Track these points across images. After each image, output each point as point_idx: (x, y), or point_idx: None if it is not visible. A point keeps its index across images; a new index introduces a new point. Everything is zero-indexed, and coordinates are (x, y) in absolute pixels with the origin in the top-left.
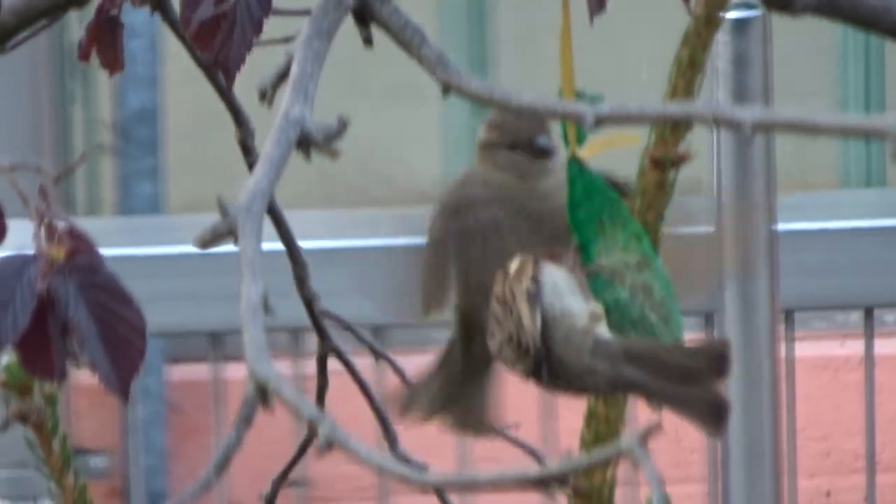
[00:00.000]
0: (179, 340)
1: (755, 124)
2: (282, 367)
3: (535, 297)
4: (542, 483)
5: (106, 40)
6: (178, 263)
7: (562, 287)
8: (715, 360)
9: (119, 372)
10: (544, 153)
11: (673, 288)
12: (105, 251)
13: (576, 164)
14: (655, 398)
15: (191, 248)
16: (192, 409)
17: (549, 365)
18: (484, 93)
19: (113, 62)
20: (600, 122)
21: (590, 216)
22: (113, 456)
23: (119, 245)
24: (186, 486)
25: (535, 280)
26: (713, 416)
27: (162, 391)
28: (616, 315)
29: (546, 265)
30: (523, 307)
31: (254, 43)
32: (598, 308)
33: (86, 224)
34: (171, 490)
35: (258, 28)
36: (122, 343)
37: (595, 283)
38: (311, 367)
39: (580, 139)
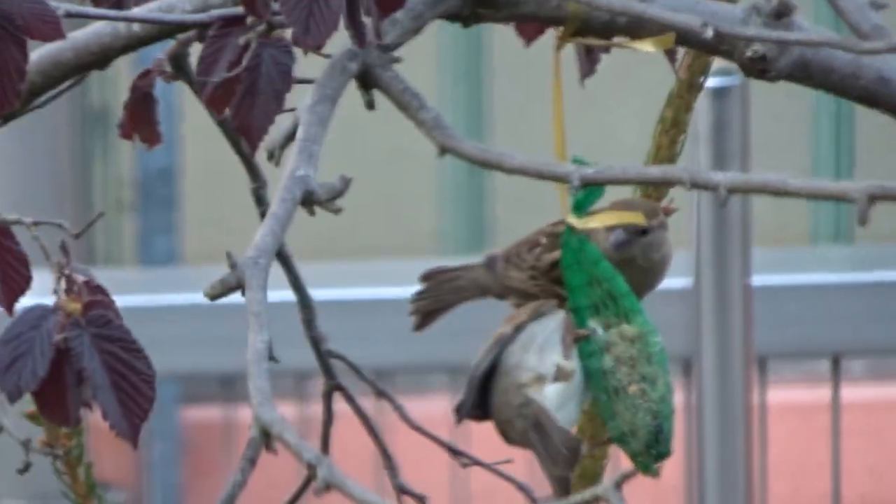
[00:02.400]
0: (193, 383)
1: (729, 187)
2: (287, 410)
3: (502, 342)
4: None
5: (143, 116)
6: (192, 312)
7: (536, 341)
8: (570, 451)
9: (129, 418)
10: (618, 245)
11: (667, 365)
12: (124, 300)
13: (569, 230)
14: (540, 461)
15: (204, 299)
16: (204, 447)
17: (478, 400)
18: (478, 155)
19: (151, 136)
20: (585, 183)
21: (581, 281)
22: (130, 491)
23: (138, 294)
24: None
25: (517, 327)
26: (559, 489)
27: (177, 431)
28: (595, 381)
29: (544, 318)
30: (484, 347)
31: (277, 113)
32: (567, 367)
33: (106, 275)
34: None
35: (280, 100)
36: (133, 391)
37: (584, 348)
38: (314, 409)
39: (584, 207)
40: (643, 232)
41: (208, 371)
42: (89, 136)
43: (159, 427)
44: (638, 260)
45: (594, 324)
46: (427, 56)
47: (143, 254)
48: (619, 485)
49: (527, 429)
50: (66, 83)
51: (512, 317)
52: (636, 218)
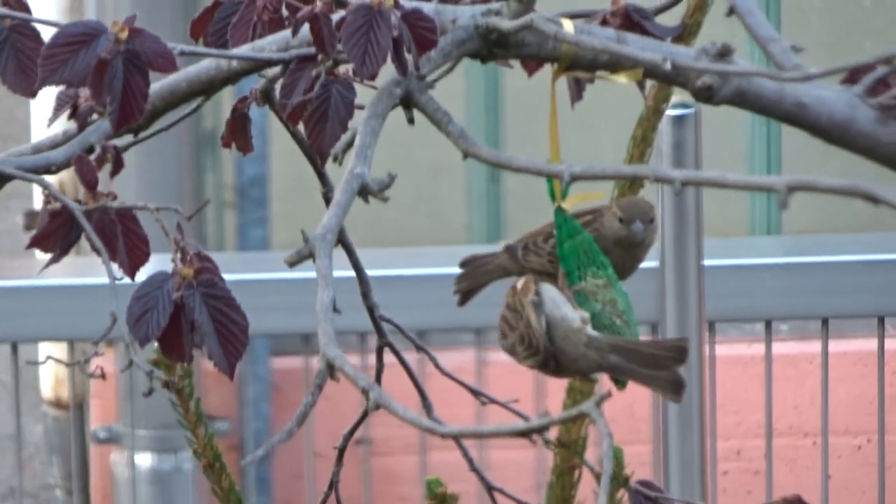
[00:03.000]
0: (280, 340)
1: (683, 180)
2: (352, 359)
3: (538, 306)
4: (527, 433)
5: (239, 131)
6: (280, 286)
7: (557, 299)
8: (678, 351)
9: (228, 357)
10: (635, 233)
11: (630, 302)
12: (228, 277)
13: (561, 213)
14: (629, 378)
15: (289, 274)
16: (288, 388)
17: (554, 357)
18: (492, 158)
19: (244, 146)
20: (575, 178)
21: (572, 251)
22: (232, 422)
23: (238, 272)
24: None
25: (538, 293)
26: (674, 389)
27: (268, 375)
28: (593, 321)
29: (544, 284)
30: (531, 314)
31: (342, 135)
32: (585, 314)
33: (214, 257)
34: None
35: (345, 125)
36: (232, 338)
37: (578, 299)
38: (371, 360)
39: (563, 195)
40: (650, 220)
41: (292, 330)
42: (202, 152)
43: (254, 373)
44: (647, 241)
45: (582, 280)
46: (458, 91)
47: (241, 242)
48: (599, 404)
49: (603, 357)
50: (186, 111)
51: (514, 288)
52: (597, 196)
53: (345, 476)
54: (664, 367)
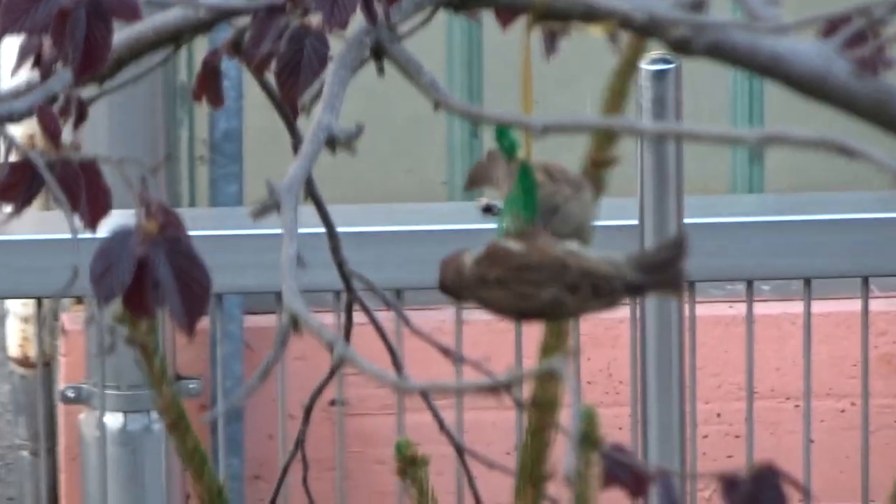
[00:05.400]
0: (254, 298)
1: (655, 132)
2: (327, 319)
3: (582, 253)
4: (494, 389)
5: (210, 84)
6: (253, 241)
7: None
8: (677, 247)
9: (189, 316)
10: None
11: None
12: (200, 233)
13: (525, 164)
14: (645, 292)
15: (262, 230)
16: (261, 348)
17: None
18: (463, 108)
19: (215, 99)
20: (546, 130)
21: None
22: (203, 381)
23: (211, 229)
24: (255, 403)
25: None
26: (676, 286)
27: (240, 334)
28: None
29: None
30: (591, 261)
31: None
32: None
33: (187, 212)
34: (244, 406)
35: (317, 78)
36: (194, 296)
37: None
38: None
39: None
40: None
41: (265, 288)
42: (176, 106)
43: (226, 331)
44: (565, 211)
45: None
46: (437, 44)
47: (214, 198)
48: (565, 360)
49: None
50: (155, 62)
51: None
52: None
53: (319, 437)
54: (668, 268)
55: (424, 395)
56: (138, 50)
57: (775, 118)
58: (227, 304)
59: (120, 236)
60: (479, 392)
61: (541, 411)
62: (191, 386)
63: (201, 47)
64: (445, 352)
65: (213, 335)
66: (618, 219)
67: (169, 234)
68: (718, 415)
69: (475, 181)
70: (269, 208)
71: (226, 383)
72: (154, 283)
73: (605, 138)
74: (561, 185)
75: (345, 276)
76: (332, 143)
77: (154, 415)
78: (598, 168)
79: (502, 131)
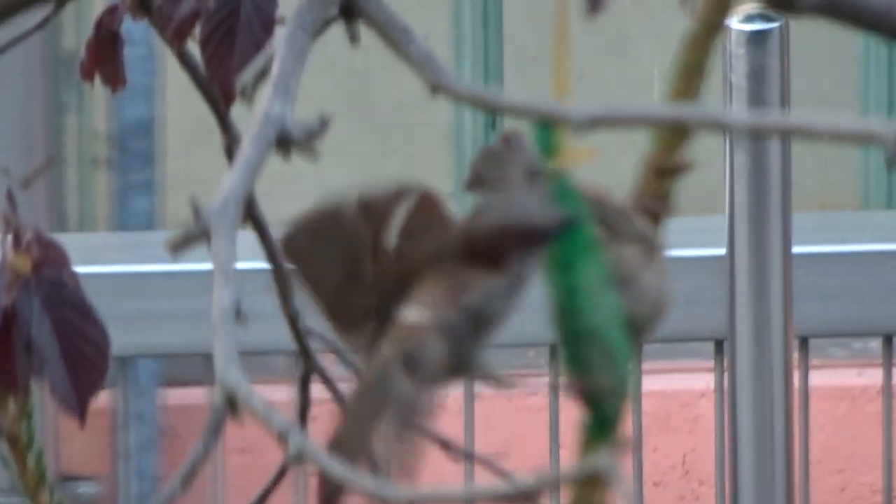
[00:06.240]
0: (175, 362)
1: (749, 125)
2: (279, 393)
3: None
4: (514, 498)
5: (106, 56)
6: (174, 281)
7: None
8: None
9: (78, 392)
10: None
11: None
12: (98, 268)
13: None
14: None
15: (188, 266)
16: (187, 433)
17: None
18: (470, 93)
19: (114, 78)
20: (591, 124)
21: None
22: (103, 483)
23: (113, 262)
24: None
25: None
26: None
27: (155, 415)
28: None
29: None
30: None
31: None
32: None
33: (78, 240)
34: None
35: (260, 49)
36: (84, 362)
37: None
38: (316, 391)
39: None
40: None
41: (192, 348)
42: (62, 85)
43: (136, 411)
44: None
45: None
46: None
47: (118, 218)
48: (615, 457)
49: None
50: (32, 26)
51: None
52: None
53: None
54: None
55: None
56: (5, 6)
57: None
58: (136, 372)
59: None
60: (494, 500)
61: None
62: (83, 490)
63: (96, 3)
64: (445, 445)
65: (116, 418)
66: (696, 246)
67: (48, 275)
68: None
69: (475, 183)
70: (194, 237)
71: (135, 485)
72: (26, 344)
73: (676, 135)
74: (624, 240)
75: (299, 334)
76: (284, 142)
77: None
78: (664, 178)
79: (543, 125)
